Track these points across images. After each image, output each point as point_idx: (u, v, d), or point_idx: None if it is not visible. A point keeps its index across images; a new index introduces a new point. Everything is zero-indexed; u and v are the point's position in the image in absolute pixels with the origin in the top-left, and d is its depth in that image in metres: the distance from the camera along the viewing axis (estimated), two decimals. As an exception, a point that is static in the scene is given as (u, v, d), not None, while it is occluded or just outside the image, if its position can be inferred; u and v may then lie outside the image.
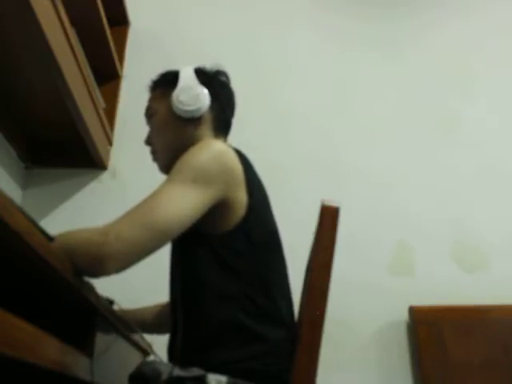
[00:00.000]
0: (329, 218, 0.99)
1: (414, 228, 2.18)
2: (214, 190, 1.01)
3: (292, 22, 2.55)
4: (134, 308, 1.42)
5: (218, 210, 1.03)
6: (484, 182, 2.27)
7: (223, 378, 0.94)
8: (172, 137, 1.20)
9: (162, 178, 1.05)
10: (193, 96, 1.17)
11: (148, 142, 1.26)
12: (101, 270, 0.88)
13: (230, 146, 1.13)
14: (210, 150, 1.05)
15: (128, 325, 1.18)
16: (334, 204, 1.00)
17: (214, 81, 1.23)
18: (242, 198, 1.06)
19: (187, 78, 1.19)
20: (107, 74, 2.27)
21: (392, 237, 2.17)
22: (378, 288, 2.07)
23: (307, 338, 0.95)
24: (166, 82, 1.23)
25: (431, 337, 1.94)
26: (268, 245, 1.10)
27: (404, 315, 2.03)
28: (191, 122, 1.18)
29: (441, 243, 2.17)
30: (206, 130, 1.20)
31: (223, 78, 1.26)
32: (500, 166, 2.30)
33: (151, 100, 1.27)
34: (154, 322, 1.42)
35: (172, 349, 1.11)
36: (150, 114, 1.26)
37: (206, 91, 1.18)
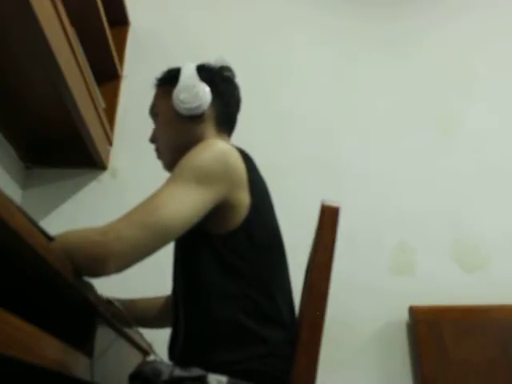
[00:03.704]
0: (329, 218, 0.99)
1: (414, 228, 2.18)
2: (217, 190, 1.01)
3: (293, 22, 2.54)
4: (134, 298, 1.38)
5: (221, 210, 1.03)
6: (484, 182, 2.27)
7: (223, 379, 0.94)
8: (175, 135, 1.20)
9: (162, 178, 1.05)
10: (193, 94, 1.17)
11: (152, 139, 1.27)
12: (101, 270, 0.88)
13: (234, 145, 1.13)
14: (213, 150, 1.05)
15: (128, 324, 1.18)
16: (334, 204, 1.00)
17: (217, 77, 1.22)
18: (244, 198, 1.06)
19: (188, 76, 1.19)
20: (107, 74, 2.26)
21: (392, 237, 2.17)
22: (378, 288, 2.07)
23: (307, 339, 0.95)
24: (168, 80, 1.23)
25: (431, 337, 1.94)
26: (270, 245, 1.10)
27: (404, 315, 2.03)
28: (193, 119, 1.18)
29: (441, 243, 2.17)
30: (208, 127, 1.19)
31: (227, 73, 1.25)
32: (500, 166, 2.30)
33: (155, 98, 1.27)
34: (155, 315, 1.40)
35: (173, 348, 1.11)
36: (154, 112, 1.26)
37: (206, 88, 1.18)
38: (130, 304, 1.30)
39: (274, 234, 1.13)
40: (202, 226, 1.01)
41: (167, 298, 1.39)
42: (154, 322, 1.42)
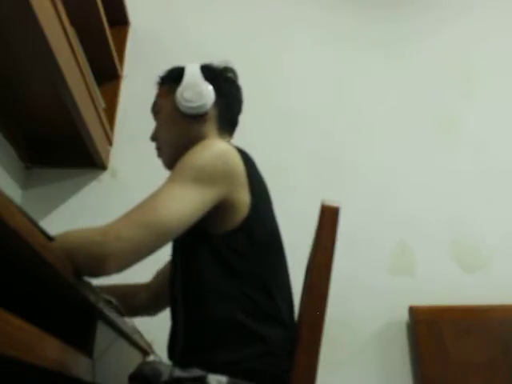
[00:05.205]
0: (329, 218, 0.99)
1: (414, 228, 2.18)
2: (216, 189, 1.01)
3: (293, 22, 2.54)
4: (121, 284, 1.32)
5: (220, 209, 1.03)
6: (484, 182, 2.27)
7: (223, 379, 0.94)
8: (177, 133, 1.20)
9: (162, 177, 1.05)
10: (197, 93, 1.17)
11: (153, 137, 1.26)
12: (101, 270, 0.88)
13: (234, 145, 1.13)
14: (213, 150, 1.05)
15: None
16: (334, 204, 1.00)
17: (220, 77, 1.22)
18: (244, 197, 1.06)
19: (192, 75, 1.19)
20: (107, 74, 2.26)
21: (392, 237, 2.17)
22: (378, 288, 2.07)
23: (307, 338, 0.95)
24: (172, 79, 1.23)
25: (431, 337, 1.94)
26: (270, 245, 1.10)
27: (404, 315, 2.03)
28: (196, 118, 1.18)
29: (441, 243, 2.17)
30: (210, 126, 1.19)
31: (230, 75, 1.25)
32: (500, 166, 2.31)
33: (157, 96, 1.27)
34: (145, 301, 1.36)
35: (172, 349, 1.11)
36: (156, 110, 1.26)
37: (210, 88, 1.18)
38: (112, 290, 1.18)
39: (273, 234, 1.13)
40: (202, 226, 1.02)
41: (149, 283, 1.35)
42: (139, 311, 1.37)
